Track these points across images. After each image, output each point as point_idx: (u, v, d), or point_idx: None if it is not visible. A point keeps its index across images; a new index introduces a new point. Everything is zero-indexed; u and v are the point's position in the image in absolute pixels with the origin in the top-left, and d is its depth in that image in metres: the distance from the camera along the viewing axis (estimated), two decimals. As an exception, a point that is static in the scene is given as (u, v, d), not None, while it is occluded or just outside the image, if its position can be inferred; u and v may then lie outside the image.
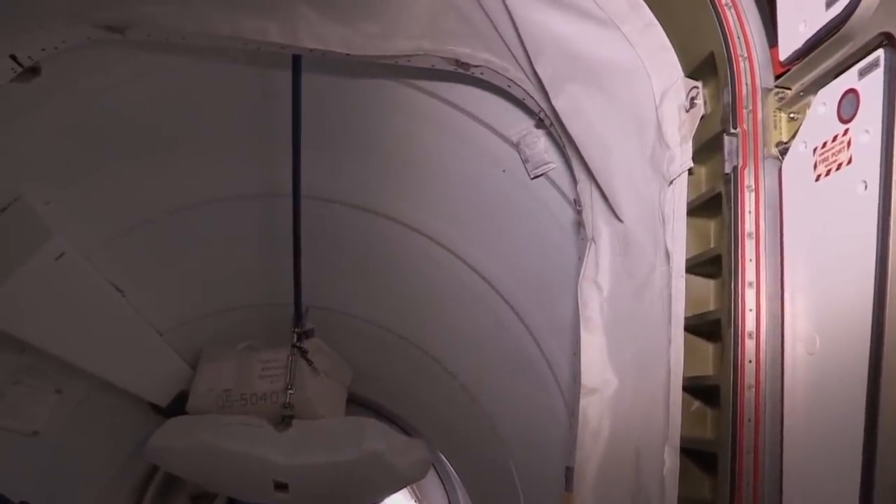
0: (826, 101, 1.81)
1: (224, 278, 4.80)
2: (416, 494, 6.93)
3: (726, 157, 2.09)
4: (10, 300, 3.49)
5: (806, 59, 1.88)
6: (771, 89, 2.05)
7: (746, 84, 2.08)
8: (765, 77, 2.08)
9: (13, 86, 2.91)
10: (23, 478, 4.15)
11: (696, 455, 2.26)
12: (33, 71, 2.99)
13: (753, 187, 2.00)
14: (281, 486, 4.44)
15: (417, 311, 4.81)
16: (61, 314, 3.85)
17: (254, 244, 4.52)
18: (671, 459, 2.23)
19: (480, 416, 4.80)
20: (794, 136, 1.95)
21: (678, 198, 2.36)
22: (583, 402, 2.73)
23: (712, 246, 2.28)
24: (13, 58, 2.84)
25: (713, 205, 2.23)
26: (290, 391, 4.41)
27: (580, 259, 2.96)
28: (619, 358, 2.71)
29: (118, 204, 3.98)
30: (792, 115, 2.00)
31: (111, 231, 4.07)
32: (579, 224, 3.10)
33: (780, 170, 1.98)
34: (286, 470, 4.30)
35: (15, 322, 3.63)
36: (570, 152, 2.98)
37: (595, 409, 2.71)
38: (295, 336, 4.47)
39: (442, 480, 6.63)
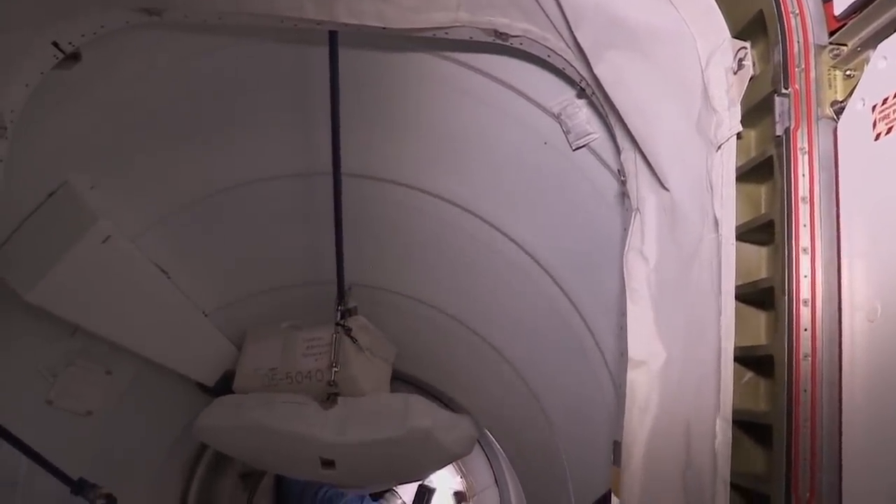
0: (887, 54, 1.72)
1: (267, 258, 4.83)
2: (461, 470, 6.95)
3: (777, 118, 2.01)
4: (59, 283, 3.55)
5: (863, 12, 1.79)
6: (825, 46, 1.96)
7: (798, 42, 1.99)
8: (818, 33, 1.99)
9: (56, 73, 2.93)
10: (79, 457, 4.24)
11: (749, 427, 2.20)
12: (74, 57, 3.01)
13: (807, 149, 1.92)
14: (328, 463, 4.47)
15: (460, 286, 4.78)
16: (108, 296, 3.90)
17: (296, 223, 4.53)
18: (723, 432, 2.17)
19: (525, 391, 4.78)
20: (850, 95, 1.86)
21: (727, 163, 2.28)
22: (630, 375, 2.69)
23: (763, 212, 2.21)
24: (55, 45, 2.86)
25: (764, 169, 2.16)
26: (335, 369, 4.41)
27: (625, 230, 2.90)
28: (666, 330, 2.66)
29: (161, 187, 4.02)
30: (848, 73, 1.92)
31: (155, 214, 4.11)
32: (623, 195, 3.04)
33: (835, 130, 1.89)
34: (333, 447, 4.32)
35: (64, 305, 3.69)
36: (612, 121, 2.92)
37: (643, 382, 2.66)
38: (338, 314, 4.47)
39: (487, 456, 6.65)
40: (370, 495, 7.05)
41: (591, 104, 3.13)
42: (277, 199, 4.30)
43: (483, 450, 6.59)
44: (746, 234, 2.23)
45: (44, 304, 3.58)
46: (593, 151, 3.39)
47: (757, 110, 2.20)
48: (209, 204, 4.22)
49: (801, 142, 1.93)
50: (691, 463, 2.46)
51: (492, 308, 4.75)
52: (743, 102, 2.25)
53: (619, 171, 3.05)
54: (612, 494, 2.79)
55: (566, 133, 3.40)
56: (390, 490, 7.14)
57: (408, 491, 7.00)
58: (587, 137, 3.34)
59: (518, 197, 3.95)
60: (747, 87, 2.24)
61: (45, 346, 4.01)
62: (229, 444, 4.93)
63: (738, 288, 2.21)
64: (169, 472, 6.00)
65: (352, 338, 4.47)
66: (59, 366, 4.13)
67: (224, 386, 5.06)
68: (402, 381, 5.69)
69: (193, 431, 4.86)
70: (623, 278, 2.81)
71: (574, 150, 3.44)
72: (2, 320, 3.62)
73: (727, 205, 2.24)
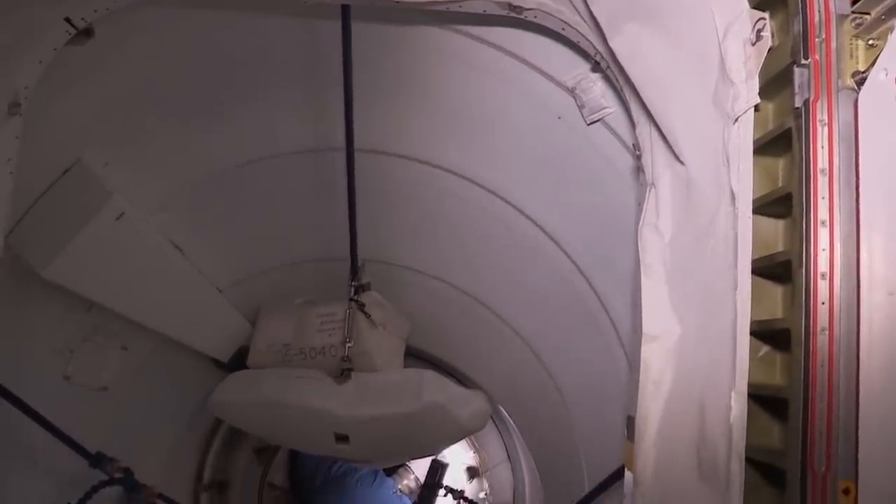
0: (913, 22, 1.70)
1: (280, 234, 4.83)
2: (474, 445, 7.00)
3: (797, 90, 1.99)
4: (74, 260, 3.57)
5: (889, -22, 1.76)
6: (847, 15, 1.93)
7: (819, 11, 1.96)
8: (840, 2, 1.95)
9: (69, 49, 2.93)
10: (96, 432, 4.28)
11: (764, 402, 2.20)
12: (87, 33, 3.00)
13: (826, 121, 1.90)
14: (342, 438, 4.49)
15: (474, 262, 4.78)
16: (123, 273, 3.92)
17: (309, 199, 4.53)
18: (738, 406, 2.17)
19: (538, 366, 4.79)
20: (872, 65, 1.83)
21: (744, 136, 2.25)
22: (644, 350, 2.68)
23: (781, 185, 2.19)
24: (68, 20, 2.85)
25: (782, 142, 2.14)
26: (349, 344, 4.42)
27: (639, 205, 2.88)
28: (681, 305, 2.65)
29: (174, 164, 4.02)
30: (871, 42, 1.89)
31: (168, 190, 4.12)
32: (638, 169, 3.02)
33: (856, 101, 1.87)
34: (347, 422, 4.34)
35: (80, 281, 3.71)
36: (627, 95, 2.89)
37: (657, 357, 2.66)
38: (352, 289, 4.46)
39: (500, 432, 6.69)
40: (383, 470, 7.13)
41: (606, 78, 3.11)
42: (290, 175, 4.29)
43: (496, 426, 6.62)
44: (763, 207, 2.22)
45: (59, 281, 3.60)
46: (608, 126, 3.36)
47: (775, 82, 2.17)
48: (222, 180, 4.21)
49: (820, 113, 1.91)
50: (705, 438, 2.46)
51: (505, 284, 4.74)
52: (761, 74, 2.23)
53: (633, 145, 3.03)
54: (626, 469, 2.79)
55: (580, 107, 3.38)
56: (403, 465, 7.20)
57: (421, 466, 7.06)
58: (602, 112, 3.32)
59: (532, 172, 3.93)
60: (765, 59, 2.21)
61: (61, 323, 4.04)
62: (244, 418, 4.96)
63: (754, 262, 2.20)
64: (185, 447, 6.06)
65: (365, 313, 4.47)
66: (76, 342, 4.16)
67: (238, 362, 5.08)
68: (415, 357, 5.70)
69: (208, 406, 4.89)
70: (637, 253, 2.79)
71: (588, 124, 3.41)
72: (19, 296, 3.64)
73: (744, 178, 2.22)
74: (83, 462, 4.11)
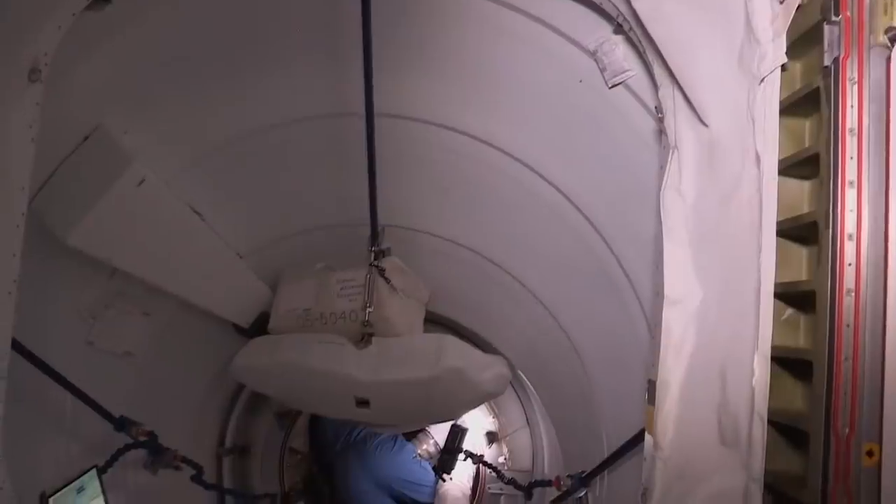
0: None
1: (300, 200, 4.83)
2: (493, 410, 7.03)
3: (826, 47, 1.95)
4: (95, 227, 3.57)
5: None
6: (880, -32, 1.88)
7: (851, -35, 1.92)
8: (872, -45, 1.91)
9: (87, 15, 2.91)
10: (120, 396, 4.34)
11: (787, 364, 2.19)
12: (106, -2, 2.99)
13: (857, 79, 1.86)
14: (362, 403, 4.53)
15: (493, 227, 4.76)
16: (145, 238, 3.94)
17: (329, 164, 4.51)
18: (761, 369, 2.16)
19: (558, 331, 4.78)
20: (907, 20, 1.79)
21: (770, 97, 2.22)
22: (666, 314, 2.68)
23: (807, 146, 2.16)
24: (86, -15, 2.84)
25: (809, 102, 2.11)
26: (369, 309, 4.44)
27: (661, 168, 2.86)
28: (703, 268, 2.64)
29: (193, 130, 4.01)
30: (905, -4, 1.84)
31: (187, 157, 4.11)
32: (660, 132, 2.99)
33: (888, 59, 1.83)
34: (367, 386, 4.37)
35: (102, 247, 3.73)
36: (650, 57, 2.86)
37: (679, 320, 2.65)
38: (372, 255, 4.46)
39: (519, 397, 6.71)
40: (403, 435, 7.19)
41: (629, 40, 3.06)
42: (310, 140, 4.28)
43: (515, 391, 6.63)
44: (789, 168, 2.19)
45: (82, 248, 3.61)
46: (629, 89, 3.32)
47: (803, 41, 2.13)
48: (242, 146, 4.21)
49: (850, 72, 1.88)
50: (726, 401, 2.46)
51: (525, 248, 4.73)
52: (788, 33, 2.18)
53: (656, 108, 2.99)
54: (646, 433, 2.80)
55: (602, 71, 3.33)
56: (423, 430, 7.25)
57: (440, 431, 7.10)
58: (624, 75, 3.27)
59: (553, 136, 3.89)
60: (793, 17, 2.17)
61: (84, 289, 4.07)
62: (265, 383, 5.01)
63: (779, 223, 2.18)
64: (207, 411, 6.13)
65: (385, 278, 4.48)
66: (99, 308, 4.19)
67: (259, 327, 5.12)
68: (434, 322, 5.71)
69: (230, 371, 4.94)
70: (660, 217, 2.77)
71: (610, 87, 3.37)
72: (42, 262, 3.65)
73: (769, 139, 2.19)
74: (108, 426, 4.18)
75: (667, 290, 2.68)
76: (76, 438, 4.06)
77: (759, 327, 2.16)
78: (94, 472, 3.76)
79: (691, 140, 2.71)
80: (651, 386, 2.78)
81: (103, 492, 3.77)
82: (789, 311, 2.22)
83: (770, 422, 2.13)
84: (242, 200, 4.59)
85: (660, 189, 2.79)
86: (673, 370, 2.65)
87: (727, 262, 2.47)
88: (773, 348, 2.12)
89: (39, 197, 3.46)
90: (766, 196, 2.19)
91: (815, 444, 1.92)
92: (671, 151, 2.79)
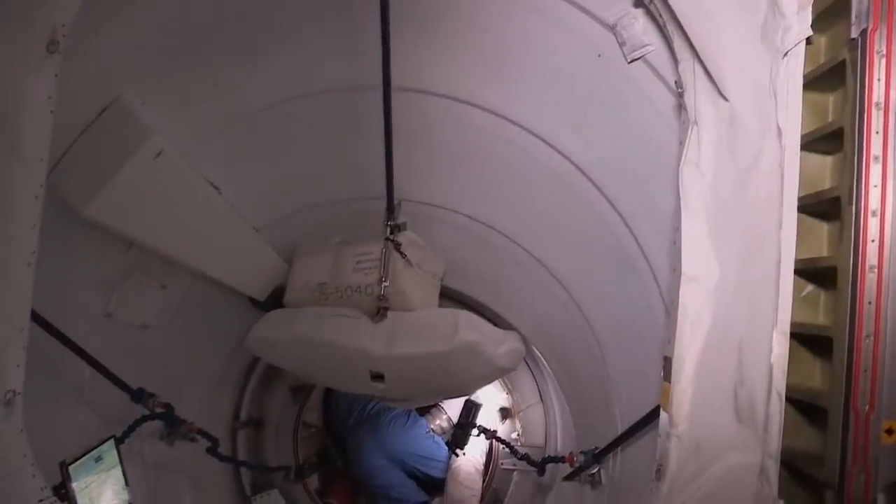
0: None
1: (316, 173, 4.82)
2: (507, 387, 7.04)
3: (854, 19, 1.92)
4: (113, 199, 3.59)
5: None
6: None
7: (881, -67, 1.87)
8: (902, -76, 1.86)
9: (105, -15, 2.91)
10: (137, 369, 4.37)
11: (806, 341, 2.17)
12: (122, -31, 2.98)
13: (885, 52, 1.83)
14: (377, 377, 4.55)
15: (509, 202, 4.74)
16: (162, 211, 3.96)
17: (345, 138, 4.49)
18: (780, 345, 2.15)
19: (573, 308, 4.77)
20: (936, -9, 1.76)
21: (794, 70, 2.19)
22: (683, 290, 2.67)
23: (831, 120, 2.13)
24: (103, -45, 2.83)
25: (834, 76, 2.07)
26: (385, 283, 4.44)
27: (680, 144, 2.83)
28: (722, 244, 2.62)
29: (210, 103, 4.00)
30: (936, -33, 1.80)
31: (204, 130, 4.11)
32: (680, 107, 2.96)
33: (916, 32, 1.80)
34: (382, 360, 4.39)
35: (119, 220, 3.75)
36: (671, 31, 2.82)
37: (696, 297, 2.64)
38: (388, 229, 4.46)
39: (533, 374, 6.71)
40: (416, 411, 7.22)
41: (649, 13, 3.03)
42: (327, 113, 4.26)
43: (529, 367, 6.63)
44: (811, 143, 2.16)
45: (100, 220, 3.64)
46: (649, 64, 3.28)
47: (829, 13, 2.10)
48: (258, 119, 4.20)
49: (878, 44, 1.84)
50: (743, 378, 2.45)
51: (541, 224, 4.71)
52: (814, 5, 2.15)
53: (675, 82, 2.96)
54: (661, 410, 2.80)
55: (621, 45, 3.30)
56: (436, 406, 7.28)
57: (453, 407, 7.12)
58: (643, 49, 3.23)
59: (570, 111, 3.86)
60: (819, -11, 2.14)
61: (102, 261, 4.09)
62: (281, 356, 5.04)
63: (799, 199, 2.16)
64: (222, 385, 6.18)
65: (401, 253, 4.48)
66: (116, 280, 4.22)
67: (275, 301, 5.15)
68: (449, 298, 5.71)
69: (246, 344, 4.97)
70: (678, 193, 2.75)
71: (629, 62, 3.33)
72: (61, 234, 3.67)
73: (792, 113, 2.16)
74: (126, 397, 4.22)
75: (684, 267, 2.67)
76: (94, 409, 4.11)
77: (779, 303, 2.14)
78: (111, 441, 3.80)
79: (711, 115, 2.69)
80: (667, 362, 2.77)
81: (121, 461, 3.81)
82: (809, 287, 2.20)
83: (787, 399, 2.12)
84: (259, 174, 4.59)
85: (678, 165, 2.77)
86: (689, 347, 2.64)
87: (746, 238, 2.46)
88: (792, 325, 2.11)
89: (57, 169, 3.47)
90: (787, 171, 2.16)
91: (833, 421, 1.91)
92: (690, 126, 2.76)
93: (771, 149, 2.29)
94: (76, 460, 3.44)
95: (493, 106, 4.07)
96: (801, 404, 2.17)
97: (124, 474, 3.82)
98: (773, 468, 2.24)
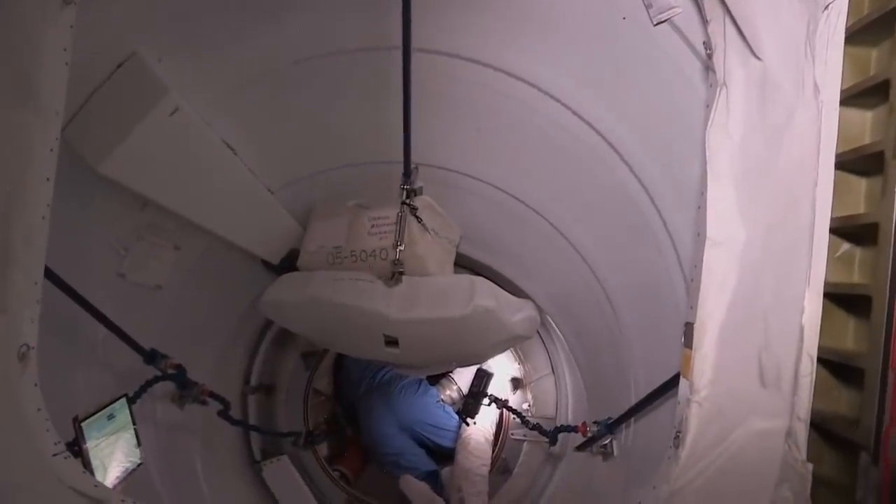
0: None
1: (332, 135, 4.75)
2: (519, 357, 7.03)
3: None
4: (130, 155, 3.55)
5: None
6: None
7: None
8: None
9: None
10: (150, 330, 4.36)
11: (841, 301, 2.12)
12: (140, -81, 2.92)
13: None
14: (391, 342, 4.52)
15: (529, 169, 4.67)
16: (177, 170, 3.92)
17: (363, 100, 4.42)
18: (812, 305, 2.10)
19: (591, 278, 4.72)
20: None
21: (835, 23, 2.12)
22: (708, 255, 2.62)
23: (873, 73, 2.06)
24: None
25: (878, 27, 2.00)
26: (400, 248, 4.40)
27: (707, 107, 2.77)
28: (749, 207, 2.56)
29: (227, 61, 3.94)
30: None
31: (221, 88, 4.05)
32: (708, 69, 2.89)
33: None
34: (397, 324, 4.35)
35: (134, 177, 3.71)
36: (702, -12, 2.75)
37: (721, 262, 2.59)
38: (404, 193, 4.40)
39: (545, 345, 6.69)
40: (427, 380, 7.23)
41: (678, -27, 2.95)
42: (345, 74, 4.19)
43: (541, 338, 6.60)
44: (851, 98, 2.09)
45: (115, 177, 3.60)
46: (675, 27, 3.20)
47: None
48: (275, 79, 4.14)
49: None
50: (769, 342, 2.41)
51: (561, 192, 4.64)
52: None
53: (704, 44, 2.89)
54: (682, 377, 2.76)
55: (647, 7, 3.22)
56: (447, 377, 7.28)
57: (464, 378, 7.13)
58: (670, 11, 3.16)
59: (593, 75, 3.78)
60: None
61: (116, 219, 4.06)
62: (294, 319, 5.01)
63: (837, 156, 2.09)
64: (234, 349, 6.18)
65: (417, 217, 4.43)
66: (130, 240, 4.19)
67: (288, 264, 5.12)
68: (463, 267, 5.66)
69: (259, 306, 4.95)
70: (703, 158, 2.70)
71: (655, 25, 3.25)
72: (75, 192, 3.65)
73: (832, 69, 2.10)
74: (138, 358, 4.22)
75: (710, 232, 2.62)
76: (107, 369, 4.10)
77: (813, 263, 2.09)
78: (123, 400, 3.79)
79: (741, 76, 2.62)
80: (688, 328, 2.73)
81: (133, 420, 3.81)
82: (845, 246, 2.15)
83: (818, 360, 2.08)
84: (275, 135, 4.54)
85: (705, 129, 2.71)
86: (713, 312, 2.60)
87: (776, 200, 2.40)
88: (827, 284, 2.06)
89: (72, 125, 3.44)
90: (825, 127, 2.10)
91: (870, 381, 1.87)
92: (719, 88, 2.70)
93: (806, 107, 2.23)
94: (89, 416, 3.43)
95: (514, 69, 4.00)
96: (833, 365, 2.13)
97: (136, 434, 3.82)
98: (803, 431, 2.20)
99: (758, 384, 2.44)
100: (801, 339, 2.13)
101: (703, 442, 2.57)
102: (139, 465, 3.76)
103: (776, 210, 2.39)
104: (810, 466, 2.18)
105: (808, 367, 2.10)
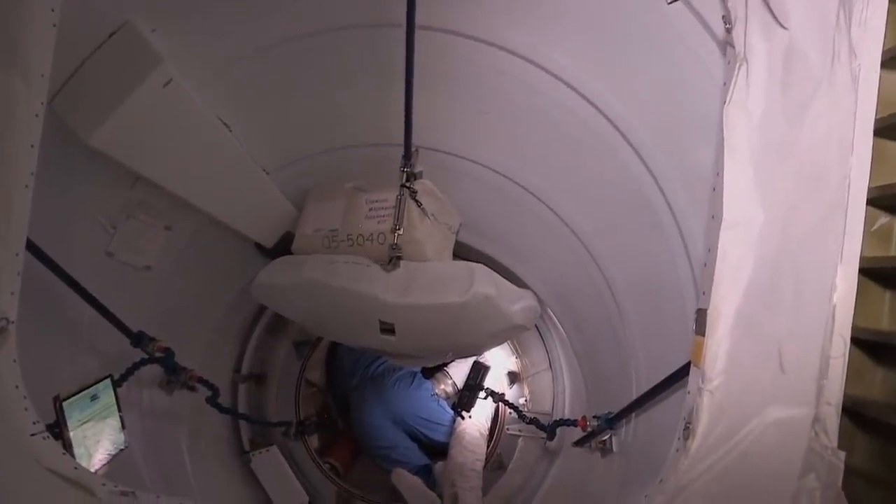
0: None
1: (331, 116, 4.61)
2: (516, 350, 6.93)
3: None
4: (121, 127, 3.42)
5: None
6: None
7: None
8: None
9: None
10: (138, 312, 4.24)
11: (878, 276, 2.00)
12: None
13: None
14: (387, 329, 4.40)
15: (532, 153, 4.54)
16: (169, 145, 3.79)
17: (363, 79, 4.28)
18: (846, 283, 1.98)
19: (593, 268, 4.61)
20: None
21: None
22: (723, 237, 2.49)
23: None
24: None
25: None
26: (399, 232, 4.26)
27: (725, 85, 2.65)
28: (768, 189, 2.44)
29: (224, 35, 3.80)
30: None
31: (216, 64, 3.92)
32: (726, 45, 2.77)
33: None
34: (393, 309, 4.22)
35: (125, 151, 3.57)
36: (723, -44, 2.62)
37: (737, 244, 2.47)
38: (404, 175, 4.26)
39: (543, 339, 6.60)
40: (422, 372, 7.12)
41: (694, -55, 2.84)
42: (344, 51, 4.04)
43: (539, 333, 6.52)
44: (890, 61, 1.97)
45: (105, 150, 3.47)
46: (690, 6, 3.07)
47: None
48: (272, 55, 3.99)
49: None
50: (792, 327, 2.29)
51: (564, 178, 4.51)
52: None
53: (723, 17, 2.77)
54: (692, 366, 2.64)
55: (662, -16, 3.11)
56: (442, 371, 7.18)
57: (459, 373, 7.03)
58: (686, -11, 3.05)
59: (603, 56, 3.65)
60: None
61: (105, 196, 3.94)
62: (288, 303, 4.89)
63: (875, 121, 1.97)
64: (224, 336, 6.06)
65: (417, 201, 4.30)
66: (120, 217, 4.07)
67: (283, 248, 5.00)
68: (463, 254, 5.54)
69: (252, 290, 4.83)
70: (717, 138, 2.58)
71: (669, 3, 3.13)
72: (64, 166, 3.53)
73: (872, 31, 1.97)
74: (125, 340, 4.10)
75: (725, 213, 2.49)
76: (92, 350, 3.99)
77: (846, 238, 1.97)
78: (108, 381, 3.64)
79: (764, 50, 2.50)
80: (700, 315, 2.61)
81: (117, 401, 3.67)
82: (882, 218, 2.03)
83: (852, 341, 1.96)
84: (271, 114, 4.41)
85: (722, 107, 2.59)
86: (727, 298, 2.47)
87: (799, 176, 2.28)
88: (862, 259, 1.94)
89: (61, 96, 3.32)
90: (863, 92, 1.98)
91: (913, 358, 1.75)
92: (738, 64, 2.57)
93: (837, 76, 2.11)
94: (70, 396, 3.30)
95: (520, 49, 3.86)
96: (867, 345, 2.01)
97: (121, 418, 3.68)
98: (833, 417, 2.08)
99: (777, 371, 2.32)
100: (832, 320, 2.01)
101: (716, 433, 2.45)
102: (123, 449, 3.62)
103: (800, 188, 2.27)
104: (842, 455, 2.06)
105: (841, 348, 1.98)
